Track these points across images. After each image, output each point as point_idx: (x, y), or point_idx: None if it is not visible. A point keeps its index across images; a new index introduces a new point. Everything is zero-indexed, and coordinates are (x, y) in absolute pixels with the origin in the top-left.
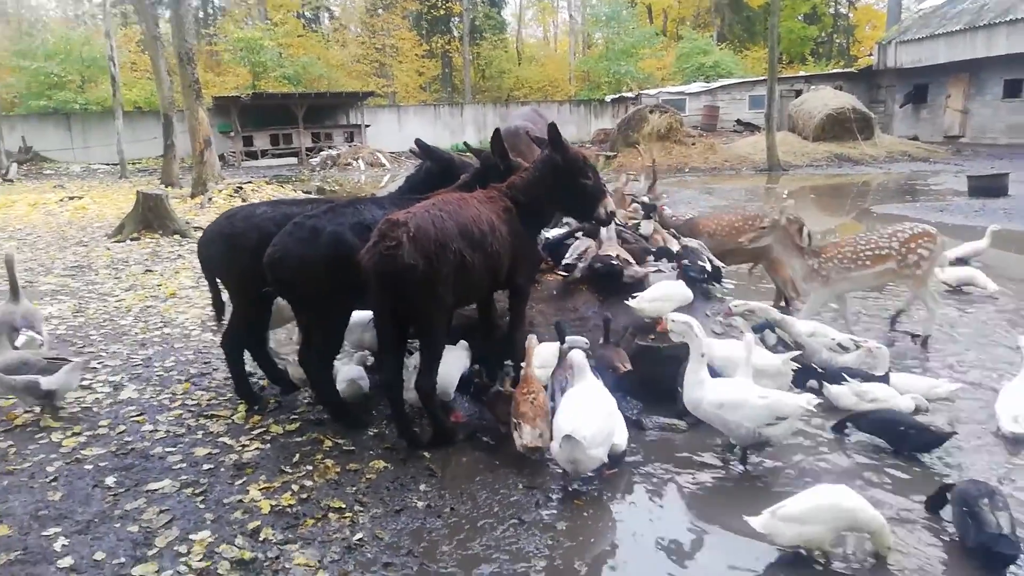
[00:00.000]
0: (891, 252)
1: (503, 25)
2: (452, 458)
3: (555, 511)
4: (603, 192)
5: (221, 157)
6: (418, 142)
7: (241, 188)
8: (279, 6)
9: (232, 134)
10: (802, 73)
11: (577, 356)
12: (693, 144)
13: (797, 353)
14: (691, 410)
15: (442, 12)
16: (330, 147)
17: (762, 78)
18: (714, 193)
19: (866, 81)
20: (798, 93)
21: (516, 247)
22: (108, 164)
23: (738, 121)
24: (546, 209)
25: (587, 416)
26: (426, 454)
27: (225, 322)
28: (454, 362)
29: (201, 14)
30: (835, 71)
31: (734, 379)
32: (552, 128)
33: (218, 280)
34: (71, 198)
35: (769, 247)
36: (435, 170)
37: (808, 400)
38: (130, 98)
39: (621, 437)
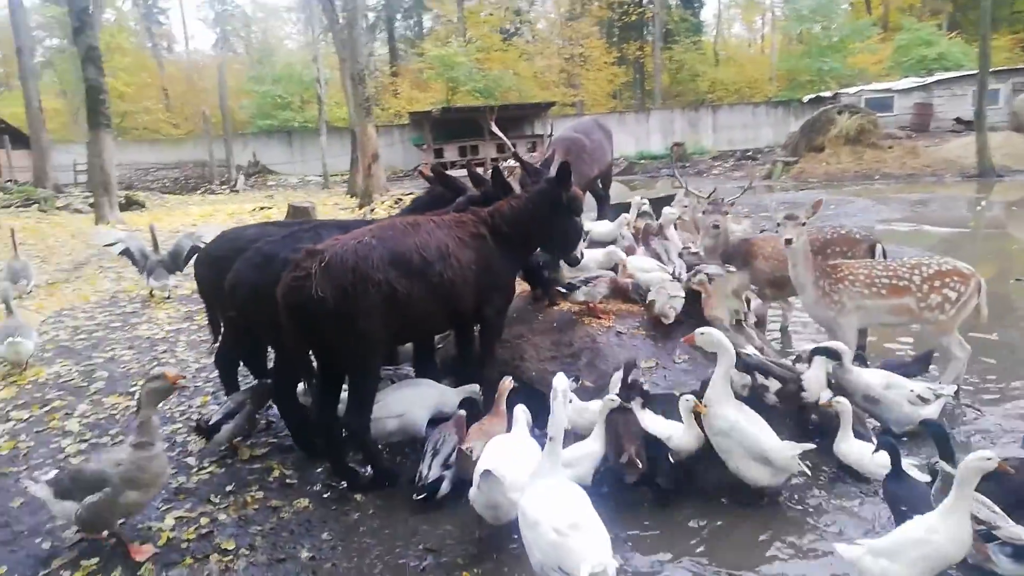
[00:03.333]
0: (910, 286)
1: (699, 27)
2: (376, 503)
3: None
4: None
5: (416, 168)
6: (434, 169)
7: (400, 200)
8: (482, 23)
9: (424, 147)
10: None
11: (517, 412)
12: (890, 147)
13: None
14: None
15: (634, 18)
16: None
17: (993, 70)
18: (893, 204)
19: None
20: None
21: (483, 276)
22: (319, 176)
23: (958, 120)
24: (531, 241)
25: (512, 458)
26: (357, 497)
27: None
28: (421, 398)
29: (409, 34)
30: None
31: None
32: (564, 165)
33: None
34: (262, 208)
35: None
36: (448, 196)
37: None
38: (340, 115)
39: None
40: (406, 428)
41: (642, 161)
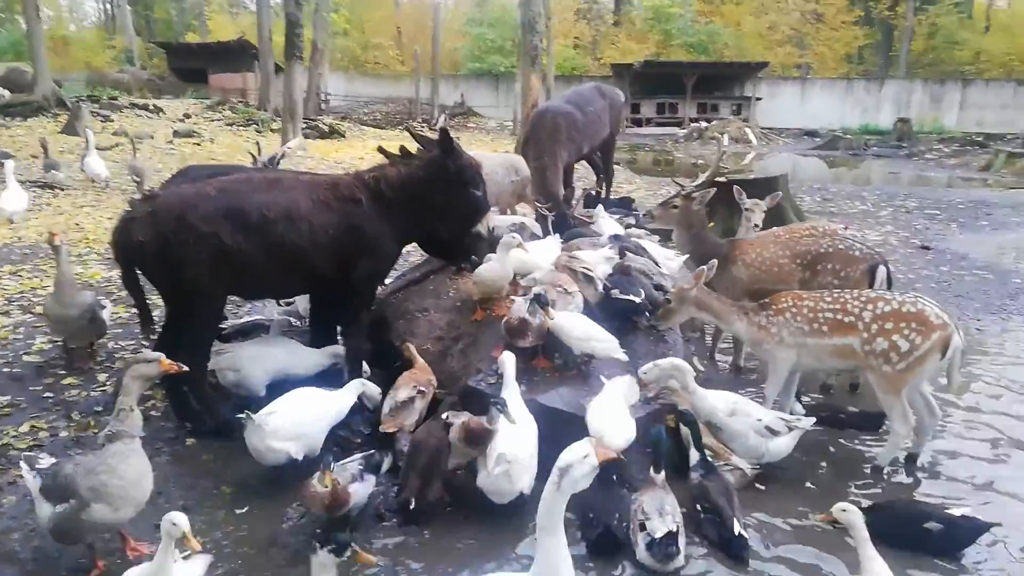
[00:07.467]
0: (857, 323)
1: None
2: (203, 457)
3: None
4: (487, 207)
5: None
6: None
7: None
8: None
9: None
10: None
11: None
12: None
13: None
14: None
15: None
16: (714, 119)
17: None
18: None
19: None
20: None
21: (348, 241)
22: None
23: None
24: (420, 212)
25: (287, 408)
26: (189, 441)
27: None
28: (262, 358)
29: None
30: None
31: None
32: (443, 132)
33: None
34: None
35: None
36: None
37: None
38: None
39: None
40: (242, 385)
41: (847, 136)
